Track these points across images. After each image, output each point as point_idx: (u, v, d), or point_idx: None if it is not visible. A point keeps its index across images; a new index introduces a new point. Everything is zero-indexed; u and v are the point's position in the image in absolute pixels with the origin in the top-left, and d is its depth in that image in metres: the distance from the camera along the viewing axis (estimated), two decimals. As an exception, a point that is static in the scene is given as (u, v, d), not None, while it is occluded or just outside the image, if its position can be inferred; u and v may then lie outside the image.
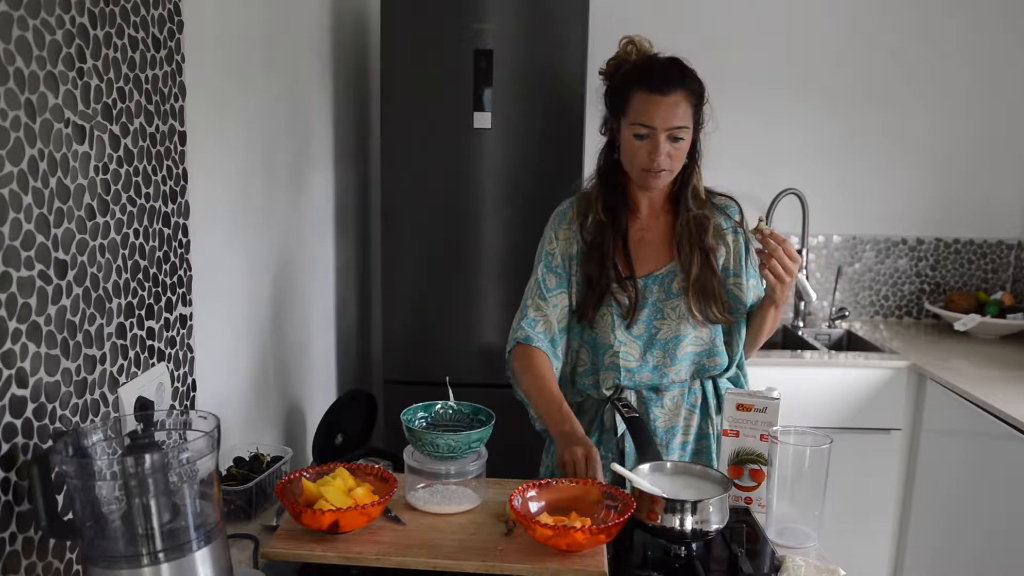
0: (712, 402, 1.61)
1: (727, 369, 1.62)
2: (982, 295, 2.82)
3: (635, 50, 1.55)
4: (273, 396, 1.83)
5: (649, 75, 1.47)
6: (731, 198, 1.64)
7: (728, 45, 2.81)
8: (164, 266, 1.24)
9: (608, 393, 1.58)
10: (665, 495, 1.21)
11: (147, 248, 1.18)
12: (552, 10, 2.22)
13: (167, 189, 1.24)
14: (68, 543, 0.99)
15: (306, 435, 2.07)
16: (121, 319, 1.11)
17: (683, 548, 1.22)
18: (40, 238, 0.93)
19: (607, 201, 1.57)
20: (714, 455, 1.59)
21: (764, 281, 1.53)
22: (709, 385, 1.62)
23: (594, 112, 2.29)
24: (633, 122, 1.47)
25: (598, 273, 1.55)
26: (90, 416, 1.04)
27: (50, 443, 0.94)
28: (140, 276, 1.16)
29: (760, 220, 1.49)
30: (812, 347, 2.67)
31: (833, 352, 2.58)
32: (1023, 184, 2.92)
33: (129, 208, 1.12)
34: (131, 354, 1.14)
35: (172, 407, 1.26)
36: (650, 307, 1.56)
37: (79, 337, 1.01)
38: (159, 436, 0.97)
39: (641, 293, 1.56)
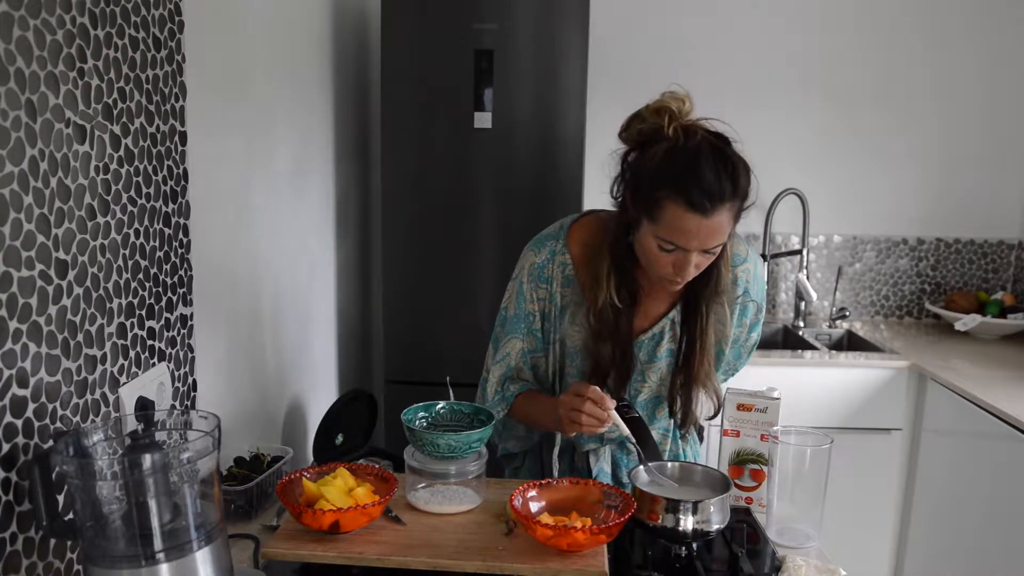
0: None
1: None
2: (983, 295, 2.82)
3: (671, 121, 1.21)
4: (273, 396, 1.83)
5: (689, 186, 1.15)
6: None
7: (729, 45, 2.81)
8: (164, 266, 1.24)
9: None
10: (666, 495, 1.21)
11: (148, 248, 1.18)
12: (552, 10, 2.22)
13: (167, 189, 1.24)
14: (69, 543, 0.99)
15: (306, 435, 2.07)
16: (122, 319, 1.11)
17: (684, 548, 1.22)
18: (41, 238, 0.93)
19: (621, 284, 1.32)
20: None
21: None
22: None
23: (594, 112, 2.31)
24: (661, 236, 1.20)
25: (612, 359, 1.35)
26: (91, 416, 1.04)
27: (51, 443, 0.94)
28: (141, 276, 1.16)
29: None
30: (812, 347, 2.66)
31: (833, 352, 2.58)
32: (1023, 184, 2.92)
33: (130, 208, 1.13)
34: (132, 354, 1.14)
35: (173, 407, 1.26)
36: (635, 371, 1.42)
37: (80, 337, 1.01)
38: (160, 436, 0.97)
39: (635, 359, 1.40)
